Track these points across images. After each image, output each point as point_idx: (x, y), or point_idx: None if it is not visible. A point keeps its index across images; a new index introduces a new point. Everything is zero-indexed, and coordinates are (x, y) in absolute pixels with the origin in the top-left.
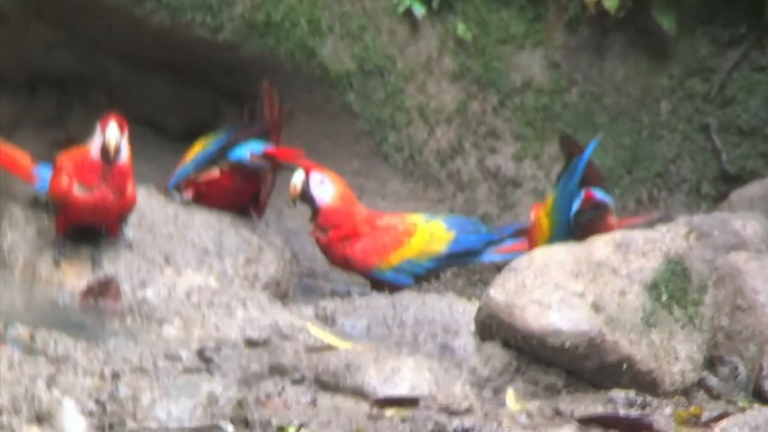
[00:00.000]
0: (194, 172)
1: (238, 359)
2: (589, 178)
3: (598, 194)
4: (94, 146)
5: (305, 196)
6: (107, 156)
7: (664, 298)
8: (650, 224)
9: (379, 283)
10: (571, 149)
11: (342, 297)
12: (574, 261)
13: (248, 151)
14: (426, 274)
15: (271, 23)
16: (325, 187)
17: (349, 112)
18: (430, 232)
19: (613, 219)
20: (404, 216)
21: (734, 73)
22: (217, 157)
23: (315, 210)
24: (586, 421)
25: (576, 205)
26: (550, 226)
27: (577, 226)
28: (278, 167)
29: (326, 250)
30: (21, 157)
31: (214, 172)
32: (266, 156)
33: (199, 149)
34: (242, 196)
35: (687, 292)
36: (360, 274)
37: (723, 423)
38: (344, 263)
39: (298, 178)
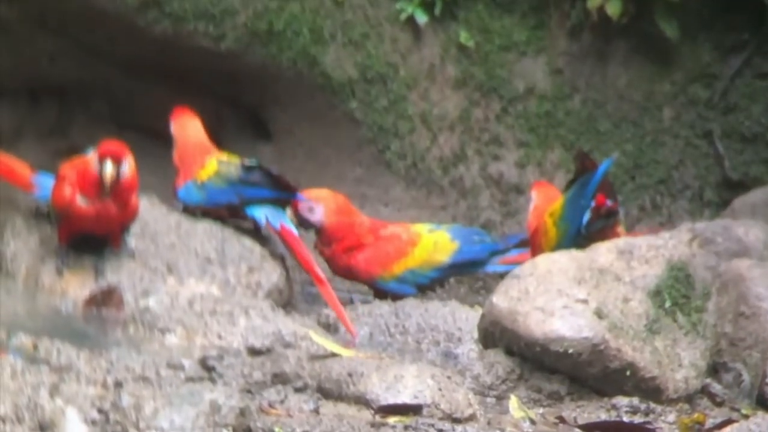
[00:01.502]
0: (204, 205)
1: (240, 368)
2: (603, 193)
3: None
4: (93, 164)
5: (303, 225)
6: (104, 189)
7: (667, 304)
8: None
9: (382, 292)
10: (584, 163)
11: (344, 304)
12: (577, 268)
13: (264, 216)
14: (429, 284)
15: (274, 32)
16: (316, 211)
17: (352, 120)
18: (434, 242)
19: (621, 230)
20: (408, 226)
21: (737, 80)
22: (232, 207)
23: (316, 231)
24: (589, 428)
25: (587, 215)
26: (557, 235)
27: (587, 236)
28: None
29: (330, 261)
30: (19, 166)
31: (222, 211)
32: (280, 234)
33: (212, 173)
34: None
35: (690, 299)
36: (364, 283)
37: (727, 430)
38: (348, 273)
39: (289, 213)
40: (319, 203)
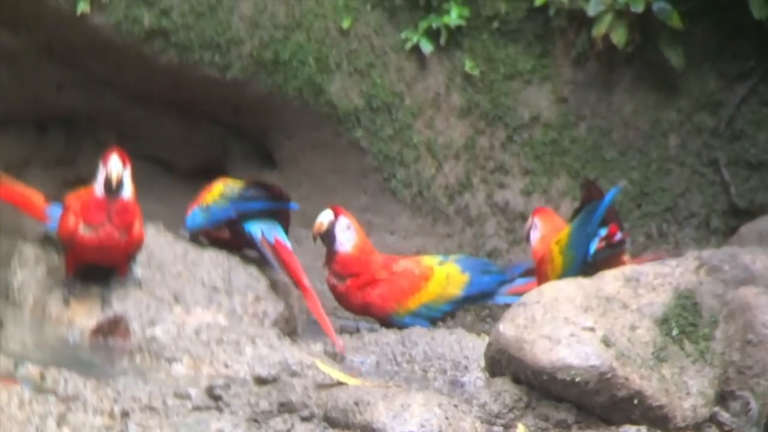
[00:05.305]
0: (207, 227)
1: (247, 397)
2: (608, 222)
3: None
4: (98, 183)
5: (328, 236)
6: (110, 188)
7: (674, 332)
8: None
9: (396, 327)
10: (591, 192)
11: (351, 333)
12: (584, 296)
13: (260, 230)
14: (442, 318)
15: (279, 61)
16: (350, 234)
17: (357, 149)
18: (446, 275)
19: (626, 258)
20: (419, 259)
21: (742, 107)
22: (232, 222)
23: (332, 253)
24: None
25: (595, 243)
26: (563, 264)
27: (594, 264)
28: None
29: (343, 297)
30: (34, 196)
31: (225, 233)
32: (274, 248)
33: (217, 195)
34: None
35: (698, 327)
36: (378, 320)
37: None
38: (363, 310)
39: (325, 217)
40: (356, 231)
